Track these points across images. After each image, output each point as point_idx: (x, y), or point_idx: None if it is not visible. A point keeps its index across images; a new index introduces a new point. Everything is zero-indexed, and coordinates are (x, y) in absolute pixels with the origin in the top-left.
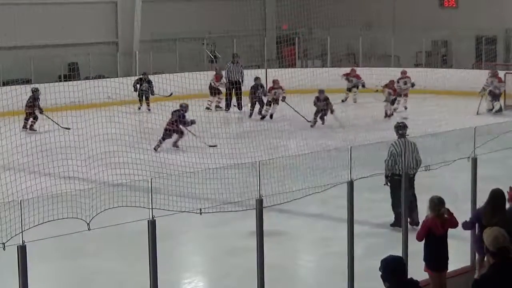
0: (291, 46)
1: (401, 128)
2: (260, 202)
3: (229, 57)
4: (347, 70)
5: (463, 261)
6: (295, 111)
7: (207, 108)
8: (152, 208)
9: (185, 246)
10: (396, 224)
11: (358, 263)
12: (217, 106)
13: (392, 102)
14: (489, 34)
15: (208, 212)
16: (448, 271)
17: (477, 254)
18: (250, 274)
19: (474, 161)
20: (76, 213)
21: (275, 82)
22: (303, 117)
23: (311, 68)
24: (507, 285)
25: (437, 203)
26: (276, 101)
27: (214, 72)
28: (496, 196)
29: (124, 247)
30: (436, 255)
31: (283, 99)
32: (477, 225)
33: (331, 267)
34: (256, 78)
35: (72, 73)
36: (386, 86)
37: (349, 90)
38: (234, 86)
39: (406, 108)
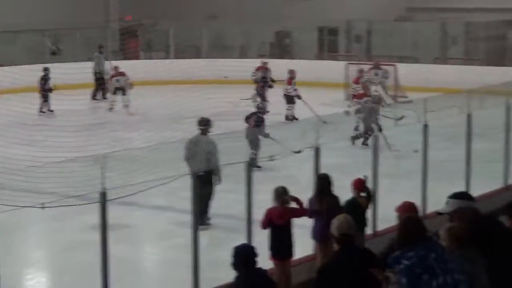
0: (135, 38)
1: (200, 123)
2: (103, 195)
3: (70, 50)
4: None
5: (309, 250)
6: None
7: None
8: None
9: (28, 241)
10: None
11: (203, 254)
12: (293, 118)
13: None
14: (331, 25)
15: (51, 207)
16: (294, 259)
17: (314, 242)
18: (94, 267)
19: (317, 150)
20: None
21: (116, 68)
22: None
23: (155, 60)
24: (349, 272)
25: (280, 193)
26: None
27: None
28: (321, 181)
29: None
30: (278, 244)
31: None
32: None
33: (176, 258)
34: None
35: None
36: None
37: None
38: (100, 76)
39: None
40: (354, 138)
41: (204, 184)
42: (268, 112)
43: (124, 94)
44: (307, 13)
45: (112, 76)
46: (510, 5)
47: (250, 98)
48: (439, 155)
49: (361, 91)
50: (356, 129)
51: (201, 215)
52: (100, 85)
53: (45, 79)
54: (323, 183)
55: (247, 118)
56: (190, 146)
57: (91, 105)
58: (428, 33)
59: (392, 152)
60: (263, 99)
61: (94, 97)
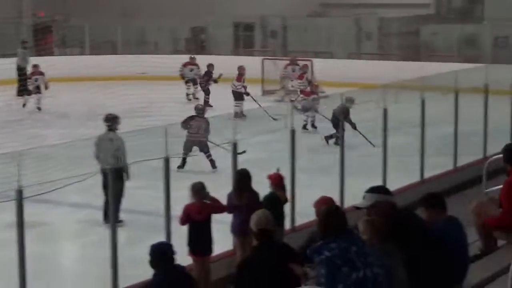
0: (49, 34)
1: (107, 120)
2: (20, 192)
3: None
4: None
5: (229, 245)
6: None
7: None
8: None
9: None
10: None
11: (121, 251)
12: (242, 115)
13: None
14: (247, 20)
15: None
16: (213, 255)
17: (234, 237)
18: (11, 265)
19: (234, 146)
20: None
21: (36, 67)
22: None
23: (70, 56)
24: (268, 267)
25: (199, 189)
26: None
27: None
28: (240, 176)
29: None
30: (198, 240)
31: None
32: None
33: (93, 256)
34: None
35: None
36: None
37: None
38: (24, 72)
39: None
40: (328, 137)
41: (114, 181)
42: (211, 106)
43: (39, 92)
44: (222, 9)
45: (32, 74)
46: (422, 1)
47: (193, 94)
48: (356, 150)
49: (306, 88)
50: (304, 127)
51: (107, 212)
52: (24, 80)
53: None
54: (242, 178)
55: (186, 121)
56: (99, 143)
57: (16, 101)
58: (342, 28)
59: (377, 148)
60: (207, 93)
61: (18, 93)
